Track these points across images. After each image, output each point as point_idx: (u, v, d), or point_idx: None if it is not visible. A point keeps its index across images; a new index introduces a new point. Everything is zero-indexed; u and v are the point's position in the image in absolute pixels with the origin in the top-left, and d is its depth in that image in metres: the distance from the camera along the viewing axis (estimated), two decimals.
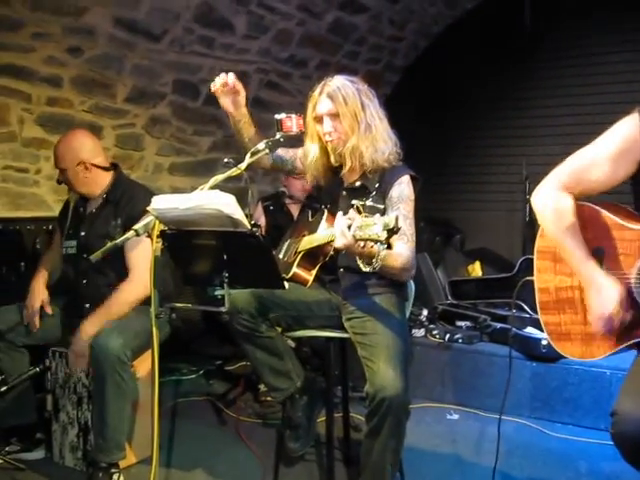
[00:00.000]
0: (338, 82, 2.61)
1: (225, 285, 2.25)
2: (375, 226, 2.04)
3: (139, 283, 2.99)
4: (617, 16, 4.87)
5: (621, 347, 2.10)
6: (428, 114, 5.57)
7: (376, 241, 2.04)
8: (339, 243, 2.20)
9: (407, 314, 2.81)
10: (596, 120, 2.10)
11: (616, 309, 2.00)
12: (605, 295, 2.02)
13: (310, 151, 2.73)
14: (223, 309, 2.30)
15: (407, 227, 2.50)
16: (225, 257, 2.22)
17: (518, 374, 3.80)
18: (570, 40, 5.05)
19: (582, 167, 2.14)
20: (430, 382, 4.12)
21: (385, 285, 2.66)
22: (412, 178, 2.66)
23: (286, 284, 2.39)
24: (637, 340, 2.06)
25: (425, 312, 4.34)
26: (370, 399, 2.38)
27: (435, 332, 4.19)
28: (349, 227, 2.12)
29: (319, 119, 2.63)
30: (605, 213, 2.14)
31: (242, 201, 5.01)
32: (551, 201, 2.16)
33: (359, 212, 2.30)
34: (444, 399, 4.06)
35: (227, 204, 2.13)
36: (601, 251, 2.11)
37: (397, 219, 2.04)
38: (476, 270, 4.87)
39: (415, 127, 5.48)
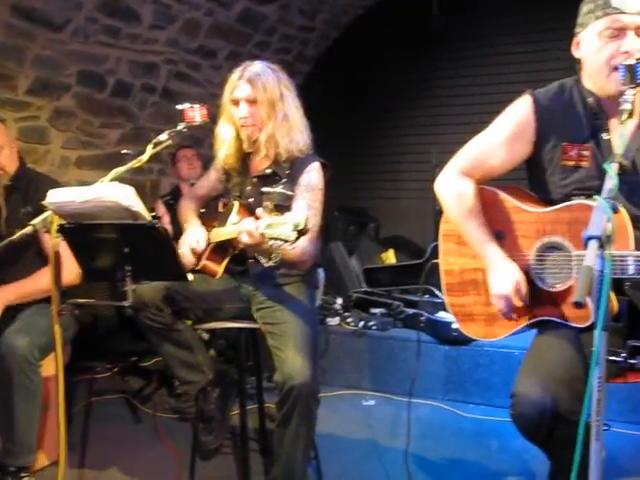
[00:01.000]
0: (259, 68, 2.59)
1: (128, 279, 2.20)
2: (285, 226, 2.05)
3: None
4: (520, 4, 5.01)
5: (522, 327, 2.16)
6: (340, 104, 5.59)
7: (285, 241, 2.06)
8: (246, 241, 2.21)
9: (317, 302, 2.82)
10: (503, 108, 2.17)
11: (514, 289, 2.06)
12: (504, 276, 2.08)
13: (224, 134, 2.70)
14: (126, 303, 2.25)
15: (311, 217, 2.51)
16: (127, 250, 2.18)
17: (431, 358, 3.88)
18: (477, 29, 5.16)
19: (480, 151, 2.20)
20: (346, 369, 4.16)
21: (294, 275, 2.66)
22: (322, 166, 2.66)
23: (190, 276, 2.36)
24: (536, 320, 2.13)
25: (340, 300, 4.38)
26: (280, 388, 2.38)
27: (350, 320, 4.23)
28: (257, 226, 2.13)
29: (236, 102, 2.60)
30: (505, 196, 2.19)
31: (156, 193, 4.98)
32: (452, 186, 2.21)
33: (269, 210, 2.32)
34: (360, 385, 4.10)
35: (125, 196, 2.08)
36: (501, 234, 2.17)
37: (307, 219, 2.06)
38: (390, 258, 4.93)
39: (327, 117, 5.50)
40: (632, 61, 1.86)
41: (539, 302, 2.10)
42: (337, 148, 5.49)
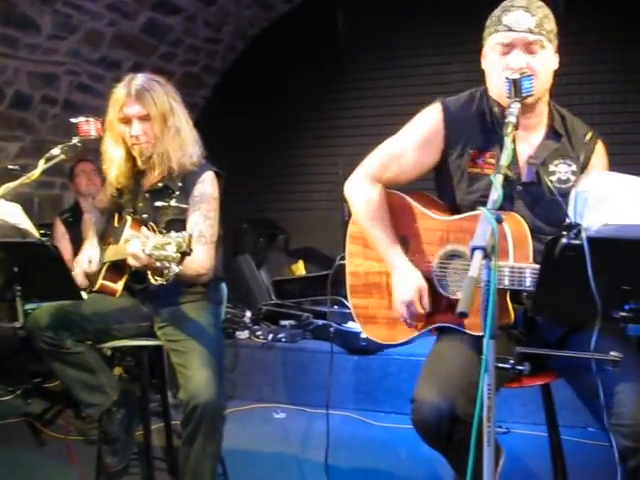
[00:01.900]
0: (145, 82, 2.52)
1: (17, 299, 2.12)
2: (169, 246, 2.04)
3: None
4: (425, 17, 5.11)
5: (422, 332, 2.19)
6: (248, 116, 5.57)
7: (171, 261, 2.04)
8: (133, 263, 2.18)
9: (222, 317, 2.79)
10: (408, 119, 2.21)
11: (415, 295, 2.09)
12: (406, 281, 2.11)
13: (113, 154, 2.61)
14: (17, 324, 2.16)
15: (206, 228, 2.50)
16: (16, 269, 2.10)
17: (341, 368, 3.90)
18: (381, 40, 5.23)
19: (389, 157, 2.22)
20: (257, 383, 4.14)
21: (196, 292, 2.63)
22: (216, 175, 2.64)
23: (84, 295, 2.30)
24: (436, 326, 2.16)
25: (249, 314, 4.35)
26: (184, 406, 2.35)
27: (259, 333, 4.21)
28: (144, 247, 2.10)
29: (126, 120, 2.53)
30: (412, 202, 2.22)
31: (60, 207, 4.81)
32: (361, 191, 2.23)
33: (154, 230, 2.28)
34: (272, 399, 4.08)
35: (12, 214, 2.01)
36: (407, 239, 2.20)
37: (190, 239, 2.05)
38: (300, 269, 4.93)
39: (236, 129, 5.50)
40: (517, 75, 1.93)
41: (440, 308, 2.13)
42: (246, 160, 5.49)
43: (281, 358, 4.12)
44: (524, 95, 1.91)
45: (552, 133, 2.14)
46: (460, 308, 1.41)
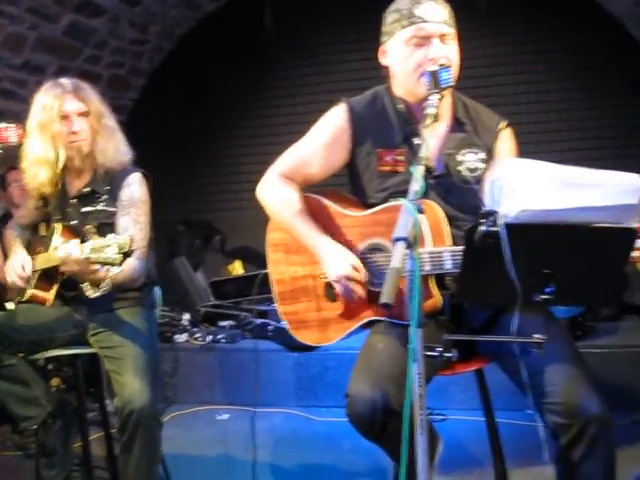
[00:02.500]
0: (76, 81, 2.56)
1: None
2: (109, 248, 2.00)
3: None
4: (349, 13, 5.13)
5: (354, 328, 2.20)
6: (178, 117, 5.52)
7: (111, 264, 2.00)
8: (69, 269, 2.14)
9: (156, 321, 2.76)
10: None
11: (351, 269, 2.07)
12: (339, 259, 2.09)
13: (41, 157, 2.54)
14: None
15: (136, 232, 2.46)
16: None
17: (281, 366, 3.91)
18: (309, 37, 5.24)
19: (300, 158, 2.24)
20: (198, 385, 4.11)
21: (129, 297, 2.59)
22: (144, 176, 2.61)
23: (10, 305, 2.24)
24: (367, 320, 2.18)
25: (187, 316, 4.32)
26: (120, 413, 2.32)
27: (198, 335, 4.17)
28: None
29: (65, 118, 2.49)
30: (328, 202, 2.23)
31: None
32: (276, 192, 2.23)
33: (91, 234, 2.24)
34: (214, 400, 4.06)
35: None
36: None
37: (132, 238, 2.02)
38: (237, 269, 4.91)
39: (167, 130, 5.44)
40: (435, 67, 1.96)
41: (369, 302, 2.15)
42: (178, 162, 5.43)
43: (221, 359, 4.10)
44: (444, 86, 1.94)
45: (456, 123, 2.18)
46: (383, 299, 1.42)
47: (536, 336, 1.64)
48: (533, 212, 1.48)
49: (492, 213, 1.50)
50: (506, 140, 2.22)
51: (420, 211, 1.55)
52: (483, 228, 1.52)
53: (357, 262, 2.10)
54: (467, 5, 4.70)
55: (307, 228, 2.17)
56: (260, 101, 5.39)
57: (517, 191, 1.49)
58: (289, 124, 5.23)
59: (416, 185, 1.62)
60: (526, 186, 1.49)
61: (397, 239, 1.50)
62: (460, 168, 2.12)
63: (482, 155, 2.15)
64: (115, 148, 2.57)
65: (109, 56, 5.29)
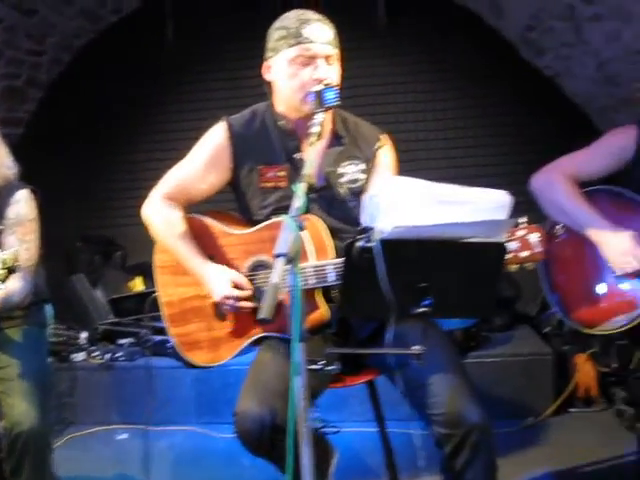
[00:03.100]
0: None
1: None
2: None
3: None
4: (257, 30, 5.11)
5: (244, 346, 2.22)
6: (78, 130, 5.38)
7: None
8: None
9: (47, 340, 2.69)
10: None
11: (230, 286, 2.11)
12: (218, 279, 2.13)
13: None
14: None
15: (23, 252, 2.40)
16: None
17: (181, 383, 3.87)
18: (214, 49, 5.21)
19: (182, 178, 2.27)
20: (96, 405, 4.00)
21: (16, 316, 2.52)
22: (32, 192, 2.56)
23: None
24: (257, 337, 2.19)
25: (85, 335, 4.20)
26: (7, 435, 2.25)
27: (96, 354, 4.07)
28: None
29: None
30: (211, 222, 2.26)
31: None
32: (160, 213, 2.25)
33: None
34: (113, 420, 3.96)
35: None
36: (214, 259, 2.22)
37: (17, 255, 1.97)
38: (137, 285, 4.82)
39: (64, 144, 5.30)
40: (320, 87, 2.00)
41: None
42: (77, 175, 5.29)
43: (120, 378, 4.01)
44: (328, 105, 1.98)
45: (335, 138, 2.24)
46: (261, 315, 1.44)
47: (415, 347, 1.70)
48: (407, 228, 1.53)
49: (369, 229, 1.55)
50: (386, 152, 2.29)
51: (301, 227, 1.58)
52: (360, 243, 1.56)
53: (239, 278, 2.13)
54: (367, 23, 4.82)
55: (187, 250, 2.18)
56: (162, 115, 5.32)
57: (392, 208, 1.54)
58: (192, 139, 5.15)
59: (298, 202, 1.65)
60: (401, 203, 1.54)
61: (277, 255, 1.52)
62: (341, 181, 2.18)
63: (362, 166, 2.21)
64: (1, 162, 2.51)
65: (4, 67, 5.11)
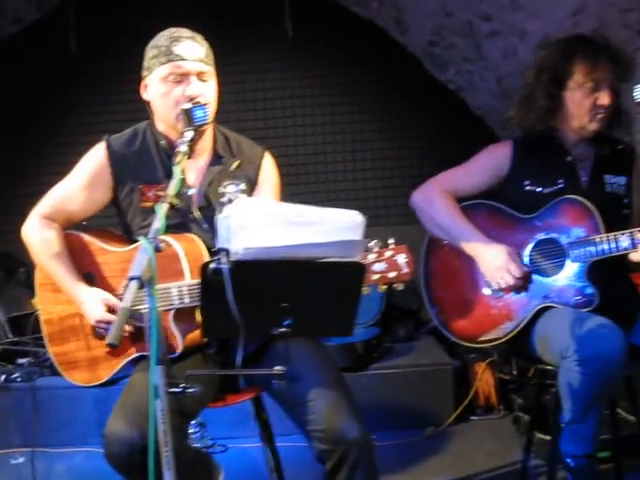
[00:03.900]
0: None
1: None
2: None
3: None
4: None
5: (121, 365, 2.19)
6: None
7: None
8: None
9: None
10: None
11: (102, 309, 2.08)
12: (90, 300, 2.10)
13: None
14: None
15: None
16: None
17: (82, 402, 3.77)
18: (116, 60, 5.11)
19: (60, 197, 2.24)
20: None
21: None
22: None
23: None
24: (133, 357, 2.16)
25: None
26: None
27: None
28: None
29: None
30: (90, 239, 2.23)
31: None
32: (37, 232, 2.21)
33: None
34: (10, 444, 3.83)
35: None
36: (91, 276, 2.19)
37: None
38: None
39: None
40: (189, 105, 2.00)
41: (138, 339, 2.14)
42: None
43: (18, 399, 3.86)
44: (198, 124, 1.98)
45: (215, 157, 2.25)
46: (109, 340, 1.42)
47: (276, 368, 1.70)
48: (259, 249, 1.53)
49: (222, 250, 1.54)
50: (268, 171, 2.31)
51: (158, 249, 1.56)
52: (213, 265, 1.56)
53: (111, 300, 2.10)
54: (275, 37, 4.83)
55: (62, 271, 2.16)
56: (65, 128, 5.20)
57: (243, 229, 1.54)
58: None
59: (157, 223, 1.64)
60: (252, 224, 1.54)
61: (130, 278, 1.51)
62: (221, 200, 2.18)
63: (243, 186, 2.22)
64: None
65: None
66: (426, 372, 3.79)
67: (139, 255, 1.54)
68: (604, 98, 2.36)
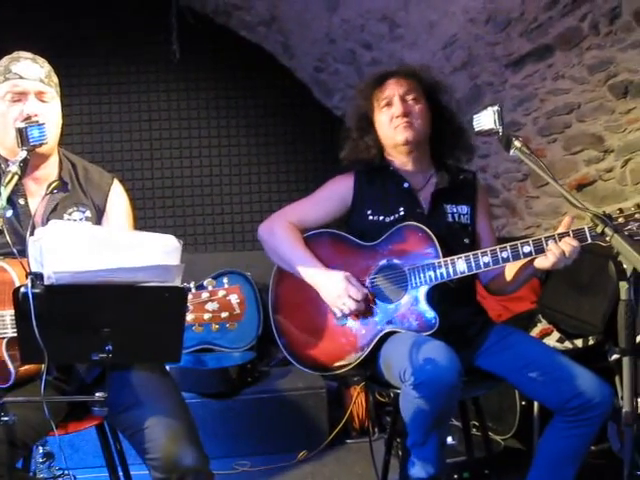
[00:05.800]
0: None
1: None
2: None
3: None
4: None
5: None
6: None
7: None
8: None
9: None
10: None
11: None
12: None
13: None
14: None
15: None
16: None
17: None
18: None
19: None
20: None
21: None
22: None
23: None
24: None
25: None
26: None
27: None
28: None
29: None
30: None
31: None
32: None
33: None
34: None
35: None
36: None
37: None
38: None
39: None
40: (23, 125, 1.94)
41: None
42: None
43: None
44: (34, 144, 1.93)
45: (61, 183, 2.20)
46: None
47: (98, 394, 1.67)
48: (70, 274, 1.50)
49: (32, 274, 1.50)
50: (116, 196, 2.28)
51: None
52: (23, 290, 1.51)
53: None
54: (162, 59, 4.79)
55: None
56: None
57: (55, 252, 1.50)
58: None
59: None
60: (62, 248, 1.51)
61: None
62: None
63: (88, 213, 2.19)
64: None
65: None
66: (301, 396, 3.78)
67: None
68: (396, 108, 2.48)
